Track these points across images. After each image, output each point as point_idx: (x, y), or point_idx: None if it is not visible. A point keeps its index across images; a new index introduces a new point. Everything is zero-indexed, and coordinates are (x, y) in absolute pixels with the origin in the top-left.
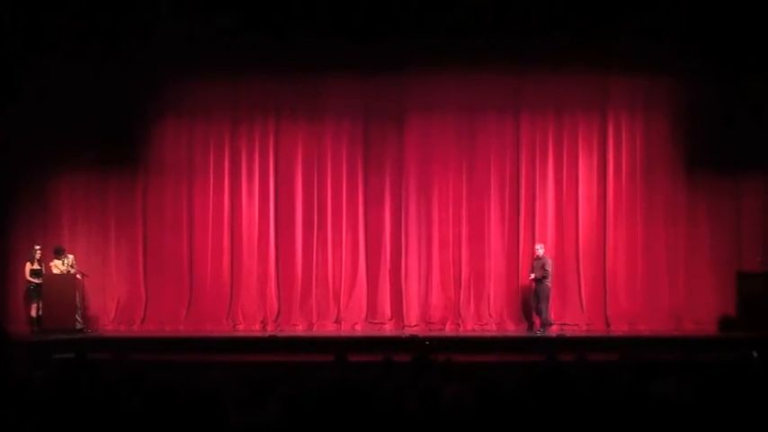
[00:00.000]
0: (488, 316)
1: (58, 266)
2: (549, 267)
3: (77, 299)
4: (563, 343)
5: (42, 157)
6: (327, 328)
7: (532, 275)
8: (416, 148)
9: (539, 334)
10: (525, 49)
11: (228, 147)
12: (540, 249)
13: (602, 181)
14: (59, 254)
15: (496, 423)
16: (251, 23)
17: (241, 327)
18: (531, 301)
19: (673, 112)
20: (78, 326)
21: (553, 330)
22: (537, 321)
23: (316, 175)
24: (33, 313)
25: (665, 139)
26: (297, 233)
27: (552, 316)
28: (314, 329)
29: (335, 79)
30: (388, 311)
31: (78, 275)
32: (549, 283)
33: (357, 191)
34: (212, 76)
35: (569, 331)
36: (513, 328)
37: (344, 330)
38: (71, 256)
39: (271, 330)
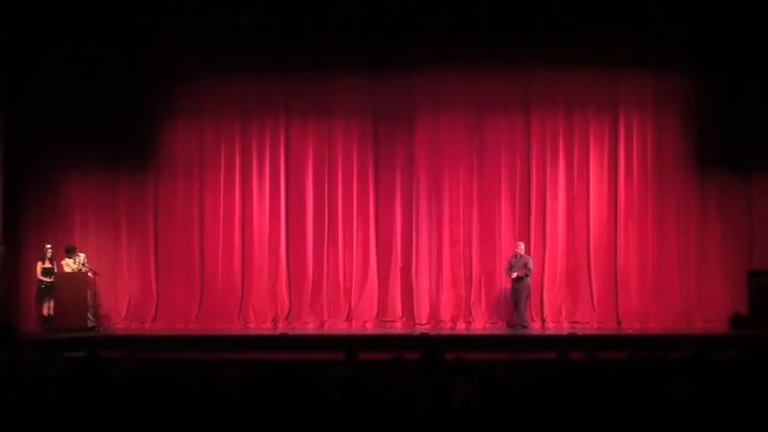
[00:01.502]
0: (499, 314)
1: (69, 265)
2: (531, 265)
3: (89, 297)
4: (574, 341)
5: (53, 156)
6: (338, 326)
7: (514, 274)
8: (426, 147)
9: (519, 331)
10: (534, 47)
11: (239, 145)
12: (521, 247)
13: (613, 179)
14: (71, 252)
15: (506, 421)
16: (260, 22)
17: (252, 325)
18: (510, 300)
19: (683, 111)
20: (90, 324)
21: (564, 328)
22: (514, 319)
23: (326, 173)
24: (45, 312)
25: (675, 137)
26: (307, 231)
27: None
28: (325, 327)
29: (345, 78)
30: (398, 309)
31: (90, 274)
32: (529, 280)
33: (367, 189)
34: (222, 74)
35: (580, 329)
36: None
37: (355, 328)
38: (82, 255)
39: (282, 328)
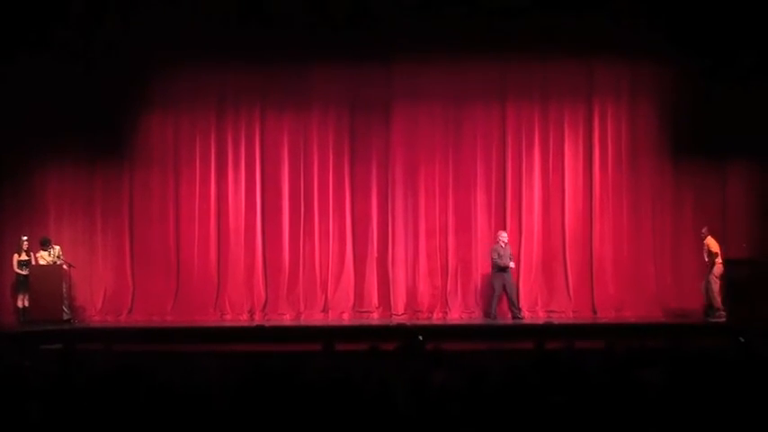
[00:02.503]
0: (475, 304)
1: (44, 257)
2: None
3: (64, 290)
4: (550, 330)
5: (29, 148)
6: (315, 317)
7: (512, 264)
8: (403, 138)
9: (520, 320)
10: (510, 37)
11: (214, 137)
12: (505, 236)
13: (589, 169)
14: (46, 245)
15: (484, 410)
16: (236, 13)
17: (228, 316)
18: (494, 290)
19: (658, 100)
20: (65, 317)
21: (540, 318)
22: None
23: (302, 164)
24: (20, 304)
25: (650, 126)
26: (283, 223)
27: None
28: (301, 318)
29: (321, 69)
30: (375, 300)
31: (65, 266)
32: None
33: (344, 180)
34: (198, 66)
35: (556, 319)
36: (499, 317)
37: (332, 319)
38: (57, 247)
39: (258, 320)
